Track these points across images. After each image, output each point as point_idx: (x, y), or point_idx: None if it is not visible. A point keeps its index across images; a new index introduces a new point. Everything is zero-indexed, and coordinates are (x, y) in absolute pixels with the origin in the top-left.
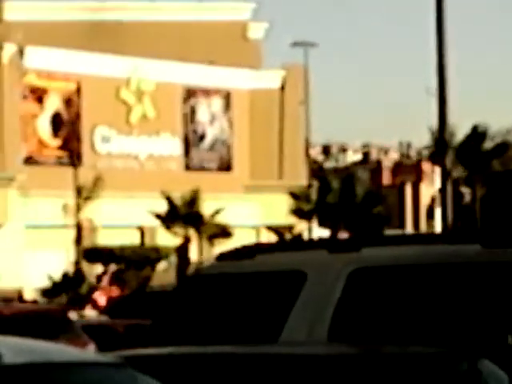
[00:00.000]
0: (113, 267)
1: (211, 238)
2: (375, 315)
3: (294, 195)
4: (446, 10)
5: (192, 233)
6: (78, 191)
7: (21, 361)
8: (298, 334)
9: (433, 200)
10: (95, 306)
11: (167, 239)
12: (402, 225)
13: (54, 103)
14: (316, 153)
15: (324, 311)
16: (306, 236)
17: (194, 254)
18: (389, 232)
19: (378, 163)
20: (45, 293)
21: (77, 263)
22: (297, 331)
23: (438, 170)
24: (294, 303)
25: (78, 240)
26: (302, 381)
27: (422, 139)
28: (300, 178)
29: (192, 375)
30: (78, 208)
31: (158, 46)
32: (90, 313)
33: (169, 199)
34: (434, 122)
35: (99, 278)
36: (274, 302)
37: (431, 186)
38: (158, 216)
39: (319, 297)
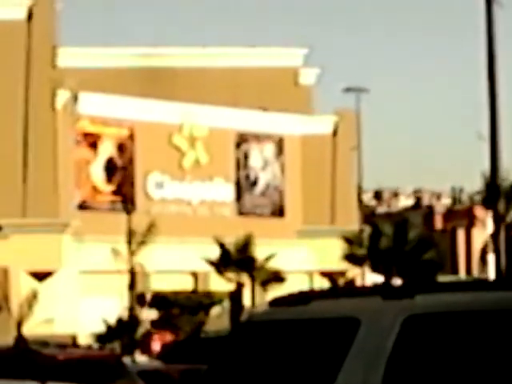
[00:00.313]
0: (149, 296)
1: (264, 284)
2: (429, 362)
3: (347, 240)
4: (497, 54)
5: (245, 278)
6: (129, 236)
7: None
8: (353, 381)
9: (485, 245)
10: (146, 350)
11: (220, 284)
12: (454, 270)
13: (107, 149)
14: (368, 198)
15: (378, 358)
16: (358, 281)
17: (247, 300)
18: (442, 278)
19: (430, 208)
20: (99, 338)
21: (130, 309)
22: (351, 378)
23: (490, 214)
24: (348, 350)
25: (132, 285)
26: None
27: (473, 184)
28: (352, 223)
29: None
30: (132, 253)
31: (210, 92)
32: (141, 358)
33: (221, 245)
34: (485, 166)
35: (153, 323)
36: (329, 348)
37: (484, 231)
38: (211, 261)
39: (373, 344)
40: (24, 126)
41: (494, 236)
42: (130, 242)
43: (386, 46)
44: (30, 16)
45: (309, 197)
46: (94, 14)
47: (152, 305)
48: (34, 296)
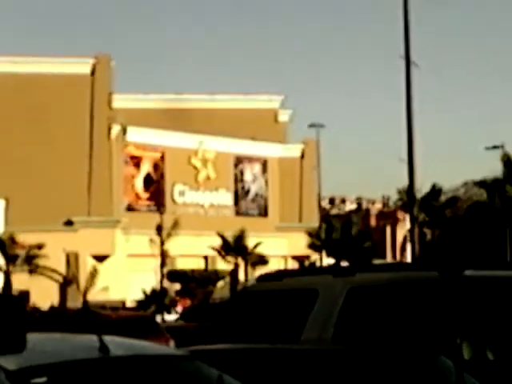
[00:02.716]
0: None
1: (253, 265)
2: (366, 320)
3: (310, 234)
4: (413, 101)
5: (240, 261)
6: (159, 229)
7: (122, 353)
8: (313, 335)
9: (405, 238)
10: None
11: (223, 265)
12: (383, 256)
13: (146, 167)
14: (325, 203)
15: (330, 318)
16: (318, 264)
17: (241, 276)
18: (375, 261)
19: (367, 211)
20: (140, 303)
21: (161, 282)
22: (312, 333)
23: (408, 216)
24: (310, 312)
25: (162, 265)
26: (313, 364)
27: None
28: (314, 221)
29: (241, 364)
30: (162, 242)
31: (217, 127)
32: (169, 317)
33: (223, 237)
34: (404, 181)
35: (177, 292)
36: (296, 311)
37: (404, 227)
38: (216, 249)
39: (327, 308)
40: (89, 150)
41: (411, 231)
42: (161, 235)
43: (338, 96)
44: (93, 71)
45: (284, 202)
46: (138, 69)
47: (176, 279)
48: (95, 271)
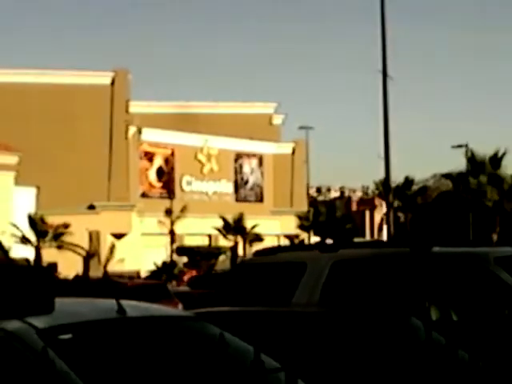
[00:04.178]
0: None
1: (250, 242)
2: (347, 289)
3: (299, 217)
4: (389, 107)
5: (239, 239)
6: (169, 213)
7: (137, 315)
8: (302, 300)
9: (381, 220)
10: (180, 281)
11: (225, 242)
12: (363, 235)
13: (158, 161)
14: (313, 191)
15: (317, 286)
16: (306, 241)
17: (240, 252)
18: (356, 240)
19: (349, 198)
20: (152, 273)
21: (171, 256)
22: (301, 298)
23: (384, 203)
24: (299, 281)
25: (172, 242)
26: (303, 323)
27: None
28: (303, 206)
29: (239, 324)
30: (172, 223)
31: (220, 129)
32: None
33: (224, 219)
34: (382, 173)
35: (185, 264)
36: (288, 280)
37: (380, 212)
38: (219, 229)
39: (314, 278)
40: (109, 147)
41: (387, 215)
42: (171, 217)
43: (324, 102)
44: (112, 82)
45: (277, 190)
46: (149, 80)
47: (184, 254)
48: (113, 246)
